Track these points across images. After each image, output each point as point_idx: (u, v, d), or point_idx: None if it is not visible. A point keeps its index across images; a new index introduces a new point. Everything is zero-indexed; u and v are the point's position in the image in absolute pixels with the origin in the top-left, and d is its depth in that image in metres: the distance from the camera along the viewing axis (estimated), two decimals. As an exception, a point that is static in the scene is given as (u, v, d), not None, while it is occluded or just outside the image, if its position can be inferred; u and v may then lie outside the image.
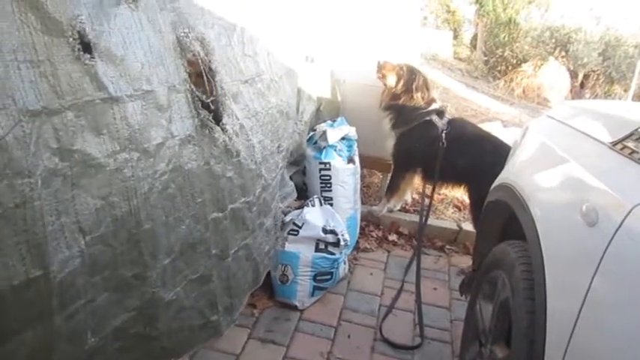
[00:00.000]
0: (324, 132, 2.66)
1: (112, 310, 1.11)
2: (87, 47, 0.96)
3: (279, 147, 1.84)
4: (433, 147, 2.78)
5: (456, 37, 11.19)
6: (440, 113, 2.91)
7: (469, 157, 2.79)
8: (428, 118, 2.86)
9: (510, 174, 1.83)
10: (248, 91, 1.57)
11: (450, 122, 2.88)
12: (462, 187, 2.95)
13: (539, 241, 1.37)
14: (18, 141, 0.82)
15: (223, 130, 1.39)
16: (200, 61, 1.27)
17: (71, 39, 0.93)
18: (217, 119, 1.38)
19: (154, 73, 1.14)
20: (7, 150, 0.80)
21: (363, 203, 3.17)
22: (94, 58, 0.97)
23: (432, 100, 2.99)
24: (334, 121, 2.89)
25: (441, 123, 2.82)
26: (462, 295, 2.45)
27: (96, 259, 1.02)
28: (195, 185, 1.27)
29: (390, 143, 3.05)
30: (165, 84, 1.17)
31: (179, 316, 1.30)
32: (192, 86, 1.27)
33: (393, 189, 3.08)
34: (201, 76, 1.31)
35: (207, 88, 1.33)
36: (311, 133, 2.72)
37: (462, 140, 2.83)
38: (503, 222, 1.95)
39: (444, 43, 10.01)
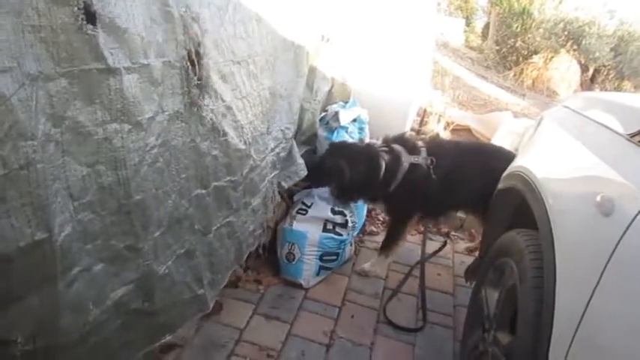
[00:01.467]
0: (337, 113, 2.65)
1: (110, 282, 1.13)
2: (91, 17, 0.96)
3: (268, 128, 1.84)
4: (425, 187, 2.43)
5: (468, 24, 11.07)
6: (405, 144, 2.49)
7: (467, 177, 2.47)
8: (406, 164, 2.42)
9: (523, 162, 1.82)
10: (240, 72, 1.56)
11: (430, 151, 2.47)
12: (474, 213, 2.64)
13: (550, 230, 1.37)
14: (22, 103, 0.83)
15: (211, 109, 1.39)
16: (195, 40, 1.27)
17: (76, 8, 0.92)
18: (205, 98, 1.38)
19: (153, 47, 1.14)
20: (12, 111, 0.81)
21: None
22: (96, 28, 0.96)
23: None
24: (346, 102, 2.88)
25: (422, 158, 2.43)
26: (466, 282, 2.48)
27: (86, 227, 1.04)
28: (180, 161, 1.28)
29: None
30: (161, 59, 1.17)
31: (172, 290, 1.32)
32: (188, 64, 1.27)
33: (391, 246, 2.60)
34: (194, 55, 1.31)
35: (198, 67, 1.32)
36: (323, 114, 2.71)
37: (452, 164, 2.49)
38: (513, 210, 1.96)
39: (456, 30, 9.90)
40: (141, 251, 1.18)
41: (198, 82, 1.31)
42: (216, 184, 1.44)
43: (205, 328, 2.02)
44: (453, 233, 3.17)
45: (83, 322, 1.08)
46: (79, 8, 0.92)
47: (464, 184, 2.46)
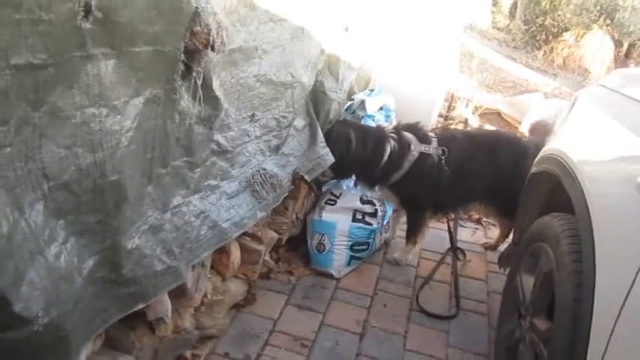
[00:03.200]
0: (363, 101, 2.64)
1: (83, 254, 1.20)
2: (88, 12, 0.97)
3: (253, 116, 1.84)
4: (437, 178, 2.37)
5: (494, 5, 10.78)
6: (417, 133, 2.42)
7: (481, 168, 2.41)
8: (415, 152, 2.35)
9: (558, 145, 1.77)
10: (224, 61, 1.57)
11: (441, 141, 2.41)
12: (488, 205, 2.59)
13: (588, 214, 1.34)
14: (1, 92, 0.86)
15: (188, 96, 1.41)
16: (208, 36, 1.28)
17: (77, 5, 0.94)
18: (194, 87, 1.40)
19: (146, 35, 1.16)
20: None
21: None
22: (88, 20, 0.98)
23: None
24: (372, 90, 2.85)
25: (432, 148, 2.36)
26: (500, 268, 2.44)
27: (60, 204, 1.10)
28: (147, 142, 1.32)
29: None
30: (153, 46, 1.19)
31: (141, 262, 1.38)
32: (183, 55, 1.28)
33: (415, 235, 2.55)
34: (194, 49, 1.32)
35: (196, 59, 1.34)
36: (349, 102, 2.70)
37: (465, 154, 2.41)
38: (547, 194, 1.91)
39: (483, 11, 9.66)
40: (109, 226, 1.24)
41: (188, 71, 1.33)
42: (174, 163, 1.49)
43: (240, 319, 2.05)
44: (484, 219, 3.11)
45: (74, 290, 1.15)
46: (79, 5, 0.94)
47: (478, 175, 2.40)
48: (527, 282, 1.73)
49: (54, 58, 0.95)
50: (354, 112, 2.68)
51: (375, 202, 2.50)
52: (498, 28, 10.16)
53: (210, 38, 1.32)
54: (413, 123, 2.49)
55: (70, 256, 1.14)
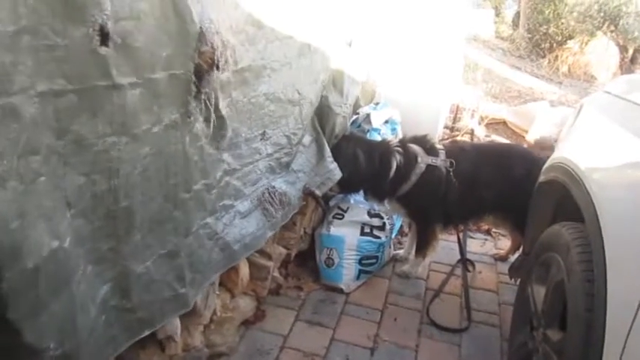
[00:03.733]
0: (368, 115, 2.65)
1: (97, 282, 1.19)
2: (105, 38, 0.99)
3: (264, 134, 1.85)
4: (445, 191, 2.36)
5: (497, 15, 10.83)
6: (424, 145, 2.41)
7: (491, 180, 2.38)
8: (422, 165, 2.34)
9: (565, 153, 1.76)
10: (234, 80, 1.58)
11: (449, 154, 2.39)
12: (499, 217, 2.56)
13: (598, 222, 1.32)
14: (32, 120, 0.88)
15: (202, 118, 1.42)
16: (214, 54, 1.30)
17: (91, 30, 0.96)
18: (205, 108, 1.42)
19: (162, 62, 1.17)
20: (26, 129, 0.86)
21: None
22: (109, 49, 1.00)
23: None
24: (377, 104, 2.86)
25: (440, 160, 2.35)
26: (511, 279, 2.42)
27: (79, 232, 1.09)
28: (170, 168, 1.32)
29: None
30: (168, 72, 1.21)
31: (150, 288, 1.37)
32: (194, 77, 1.30)
33: (425, 248, 2.52)
34: (201, 68, 1.33)
35: (205, 79, 1.35)
36: (354, 117, 2.71)
37: (475, 167, 2.39)
38: (556, 203, 1.89)
39: (485, 21, 9.70)
40: (120, 252, 1.23)
41: (198, 92, 1.33)
42: (195, 187, 1.49)
43: (249, 336, 2.04)
44: (494, 230, 3.09)
45: (89, 320, 1.14)
46: (94, 30, 0.96)
47: (487, 187, 2.38)
48: (539, 292, 1.71)
49: (74, 85, 0.96)
50: (359, 125, 2.69)
51: (383, 215, 2.49)
52: (502, 38, 10.19)
53: (215, 57, 1.34)
54: (420, 135, 2.49)
55: (87, 285, 1.13)
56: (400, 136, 2.83)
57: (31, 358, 0.98)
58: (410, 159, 2.35)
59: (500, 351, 2.10)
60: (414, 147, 2.39)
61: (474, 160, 2.42)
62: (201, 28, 1.26)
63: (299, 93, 1.99)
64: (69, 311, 1.04)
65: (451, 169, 2.33)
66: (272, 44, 1.75)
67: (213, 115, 1.46)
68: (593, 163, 1.55)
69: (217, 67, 1.37)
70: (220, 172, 1.63)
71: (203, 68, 1.32)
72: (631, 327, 1.08)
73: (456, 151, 2.44)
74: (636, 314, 1.07)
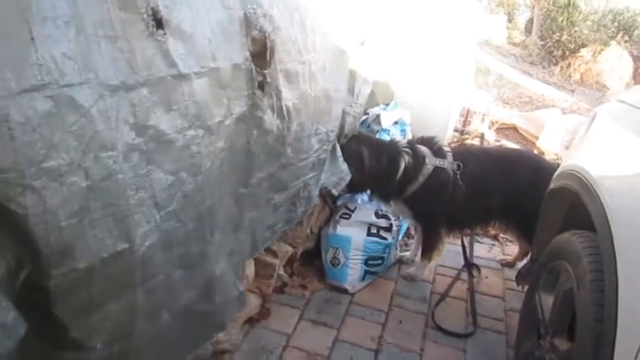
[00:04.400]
0: (378, 115, 2.64)
1: (184, 288, 1.15)
2: (159, 24, 0.97)
3: (317, 130, 1.83)
4: (452, 194, 2.32)
5: (510, 20, 10.77)
6: (431, 146, 2.39)
7: (499, 185, 2.34)
8: (430, 166, 2.32)
9: (577, 161, 1.75)
10: (303, 72, 1.55)
11: (456, 156, 2.38)
12: (507, 223, 2.52)
13: (610, 231, 1.31)
14: (101, 114, 0.84)
15: (270, 110, 1.38)
16: (266, 39, 1.27)
17: (145, 15, 0.94)
18: (266, 99, 1.37)
19: (220, 50, 1.14)
20: (92, 123, 0.83)
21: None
22: (165, 34, 0.98)
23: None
24: (387, 104, 2.85)
25: (447, 163, 2.33)
26: (518, 285, 2.39)
27: (171, 236, 1.05)
28: (236, 162, 1.29)
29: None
30: (229, 61, 1.17)
31: (224, 289, 1.34)
32: (253, 65, 1.27)
33: (431, 250, 2.51)
34: (260, 55, 1.30)
35: (268, 65, 1.32)
36: (364, 117, 2.70)
37: (483, 171, 2.37)
38: (566, 211, 1.88)
39: (498, 27, 9.64)
40: (208, 256, 1.19)
41: (262, 82, 1.30)
42: (251, 181, 1.46)
43: (253, 334, 2.03)
44: (501, 235, 3.07)
45: (156, 327, 1.10)
46: (148, 15, 0.94)
47: (496, 192, 2.34)
48: (547, 300, 1.70)
49: (143, 76, 0.92)
50: (369, 126, 2.69)
51: (390, 216, 2.48)
52: (514, 44, 10.14)
53: (268, 42, 1.30)
54: (428, 137, 2.47)
55: (166, 292, 1.08)
56: (409, 137, 2.82)
57: (76, 353, 0.95)
58: (418, 160, 2.33)
59: (505, 358, 2.08)
60: (422, 148, 2.37)
61: (482, 164, 2.40)
62: (245, 13, 1.23)
63: (335, 90, 1.98)
64: (127, 315, 1.00)
65: (458, 172, 2.31)
66: (323, 38, 1.73)
67: (280, 107, 1.41)
68: (606, 171, 1.53)
69: (272, 52, 1.31)
70: (276, 167, 1.59)
71: (260, 56, 1.29)
72: (642, 339, 1.06)
73: (463, 153, 2.43)
74: (648, 326, 1.06)
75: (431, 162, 2.33)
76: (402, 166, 2.30)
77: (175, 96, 1.01)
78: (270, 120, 1.40)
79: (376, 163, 2.32)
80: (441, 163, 2.33)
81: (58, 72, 0.77)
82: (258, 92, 1.29)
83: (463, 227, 2.59)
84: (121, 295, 0.97)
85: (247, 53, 1.25)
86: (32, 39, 0.73)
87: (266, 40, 1.28)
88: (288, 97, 1.47)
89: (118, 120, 0.88)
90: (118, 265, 0.92)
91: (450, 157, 2.37)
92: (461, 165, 2.32)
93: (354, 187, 2.45)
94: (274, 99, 1.40)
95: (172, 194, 1.03)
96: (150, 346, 1.11)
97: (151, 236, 0.99)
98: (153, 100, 0.96)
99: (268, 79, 1.33)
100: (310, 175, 1.96)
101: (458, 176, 2.31)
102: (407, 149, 2.34)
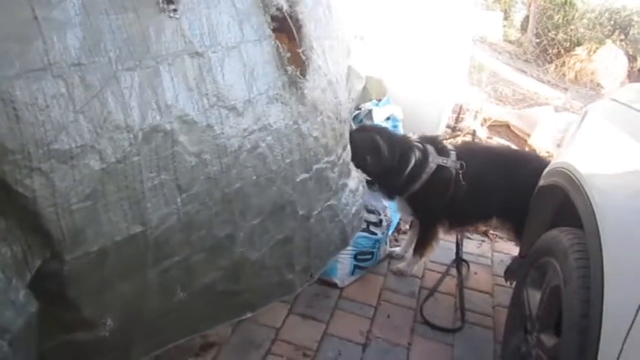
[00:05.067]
0: (370, 111, 2.63)
1: (204, 269, 1.12)
2: (170, 1, 0.94)
3: (340, 113, 1.80)
4: (454, 192, 2.34)
5: (506, 18, 10.77)
6: (435, 144, 2.40)
7: (501, 185, 2.35)
8: (433, 164, 2.32)
9: (567, 158, 1.75)
10: (337, 48, 1.51)
11: (459, 155, 2.39)
12: (506, 222, 2.52)
13: (597, 229, 1.31)
14: (114, 95, 0.81)
15: (312, 87, 1.33)
16: (285, 13, 1.23)
17: None
18: (304, 74, 1.32)
19: (238, 28, 1.10)
20: (105, 103, 0.80)
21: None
22: (177, 10, 0.95)
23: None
24: (379, 100, 2.85)
25: (451, 161, 2.34)
26: (506, 282, 2.41)
27: (192, 218, 1.02)
28: (284, 145, 1.24)
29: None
30: (250, 40, 1.14)
31: (259, 274, 1.30)
32: (278, 42, 1.23)
33: (425, 247, 2.53)
34: (286, 31, 1.27)
35: (295, 41, 1.28)
36: (356, 112, 2.69)
37: (483, 170, 2.38)
38: (555, 208, 1.88)
39: (494, 24, 9.64)
40: (237, 239, 1.16)
41: (295, 56, 1.25)
42: (316, 166, 1.40)
43: (242, 327, 2.03)
44: (491, 232, 3.08)
45: (168, 302, 1.08)
46: None
47: (497, 192, 2.35)
48: (534, 296, 1.71)
49: (158, 56, 0.88)
50: (360, 121, 2.67)
51: (380, 211, 2.48)
52: (510, 41, 10.14)
53: (286, 15, 1.25)
54: (432, 135, 2.48)
55: (183, 272, 1.05)
56: (402, 132, 2.81)
57: (86, 332, 0.94)
58: (425, 157, 2.34)
59: (493, 353, 2.10)
60: (427, 146, 2.37)
61: (485, 163, 2.41)
62: None
63: (342, 76, 1.95)
64: (139, 294, 0.99)
65: (461, 171, 2.31)
66: (337, 24, 1.68)
67: (323, 81, 1.35)
68: (595, 169, 1.54)
69: (293, 27, 1.26)
70: (341, 148, 1.54)
71: (286, 32, 1.24)
72: (627, 336, 1.07)
73: (467, 152, 2.43)
74: (632, 323, 1.07)
75: (434, 160, 2.34)
76: (413, 161, 2.30)
77: (193, 74, 0.98)
78: (315, 98, 1.34)
79: (390, 156, 2.30)
80: (445, 161, 2.34)
81: (67, 51, 0.75)
82: (290, 69, 1.24)
83: (463, 225, 2.60)
84: (133, 276, 0.96)
85: (269, 31, 1.21)
86: (35, 18, 0.71)
87: (286, 15, 1.24)
88: (331, 71, 1.42)
89: (134, 100, 0.85)
90: (132, 248, 0.91)
91: (453, 156, 2.37)
92: (464, 164, 2.32)
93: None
94: (316, 74, 1.34)
95: (195, 176, 1.00)
96: (162, 318, 1.09)
97: (169, 219, 0.96)
98: (170, 79, 0.92)
99: (304, 52, 1.29)
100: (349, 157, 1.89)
101: (460, 175, 2.31)
102: (419, 144, 2.34)
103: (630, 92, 1.82)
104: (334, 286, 2.36)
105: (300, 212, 1.35)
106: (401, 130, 2.86)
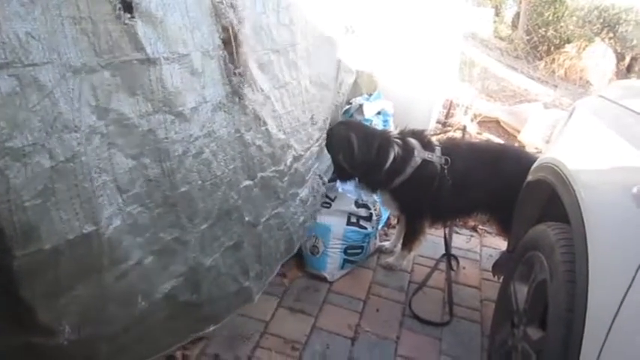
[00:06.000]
0: (361, 105, 2.63)
1: (160, 275, 1.13)
2: (128, 7, 0.95)
3: (312, 118, 1.81)
4: (438, 187, 2.34)
5: (497, 14, 10.81)
6: (421, 139, 2.39)
7: (485, 179, 2.36)
8: (418, 159, 2.32)
9: (554, 154, 1.77)
10: (279, 61, 1.54)
11: (444, 149, 2.39)
12: (492, 217, 2.55)
13: (583, 223, 1.33)
14: (65, 96, 0.83)
15: (251, 98, 1.38)
16: (231, 28, 1.25)
17: None
18: (245, 87, 1.37)
19: (190, 37, 1.13)
20: (55, 104, 0.82)
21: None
22: (134, 17, 0.96)
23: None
24: (370, 95, 2.85)
25: (436, 157, 2.34)
26: (494, 276, 2.43)
27: (136, 219, 1.03)
28: (227, 152, 1.27)
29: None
30: (200, 49, 1.16)
31: (217, 282, 1.32)
32: (225, 53, 1.25)
33: (412, 241, 2.54)
34: (233, 43, 1.29)
35: (236, 56, 1.31)
36: (347, 106, 2.69)
37: (468, 166, 2.38)
38: (542, 203, 1.90)
39: (485, 20, 9.68)
40: (188, 244, 1.18)
41: (237, 70, 1.29)
42: (262, 174, 1.44)
43: (231, 321, 2.01)
44: (480, 227, 3.10)
45: (129, 314, 1.09)
46: None
47: (482, 187, 2.36)
48: (521, 291, 1.72)
49: (106, 60, 0.91)
50: (351, 115, 2.68)
51: (370, 205, 2.49)
52: (500, 38, 10.19)
53: (232, 31, 1.28)
54: (418, 130, 2.48)
55: (140, 277, 1.06)
56: (392, 128, 2.82)
57: (44, 337, 0.94)
58: (407, 152, 2.33)
59: (480, 347, 2.11)
60: (412, 140, 2.37)
61: (469, 159, 2.41)
62: (212, 3, 1.21)
63: (326, 77, 1.96)
64: (96, 299, 0.99)
65: (446, 166, 2.32)
66: (308, 26, 1.70)
67: (259, 96, 1.40)
68: (581, 164, 1.55)
69: (239, 45, 1.31)
70: (290, 159, 1.58)
71: (232, 44, 1.28)
72: (609, 329, 1.08)
73: (452, 148, 2.44)
74: (615, 317, 1.08)
75: (419, 155, 2.34)
76: (392, 156, 2.30)
77: (141, 80, 0.99)
78: (255, 109, 1.38)
79: (366, 151, 2.31)
80: (430, 156, 2.34)
81: (22, 51, 0.76)
82: (235, 80, 1.28)
83: (447, 219, 2.62)
84: (89, 279, 0.96)
85: (219, 41, 1.23)
86: None
87: (234, 30, 1.27)
88: (267, 87, 1.46)
89: (80, 102, 0.87)
90: (86, 247, 0.92)
91: (438, 151, 2.37)
92: (449, 159, 2.33)
93: (342, 175, 2.44)
94: (253, 88, 1.38)
95: (134, 178, 1.02)
96: (125, 334, 1.09)
97: (115, 219, 0.98)
98: (116, 84, 0.94)
99: (242, 68, 1.31)
100: (316, 164, 1.92)
101: (445, 170, 2.32)
102: (398, 140, 2.34)
103: (617, 89, 1.83)
104: (324, 280, 2.37)
105: (247, 218, 1.39)
106: (391, 125, 2.87)
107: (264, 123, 1.41)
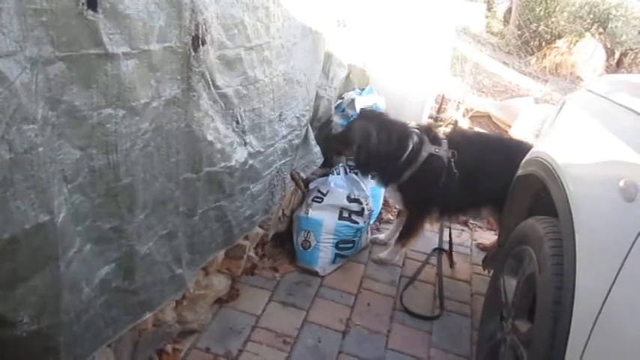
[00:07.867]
0: (353, 100, 2.63)
1: (97, 262, 1.16)
2: (92, 3, 0.95)
3: (281, 115, 1.82)
4: (446, 181, 2.33)
5: (489, 9, 10.84)
6: (428, 133, 2.40)
7: (492, 173, 2.32)
8: (425, 153, 2.33)
9: (543, 148, 1.78)
10: (251, 58, 1.54)
11: (451, 143, 2.39)
12: (498, 211, 2.45)
13: (571, 216, 1.34)
14: (24, 87, 0.84)
15: (208, 96, 1.39)
16: (197, 24, 1.26)
17: None
18: (203, 84, 1.38)
19: (154, 32, 1.13)
20: (16, 95, 0.82)
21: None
22: (97, 14, 0.96)
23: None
24: (362, 89, 2.85)
25: (443, 150, 2.34)
26: (484, 270, 2.45)
27: (77, 209, 1.06)
28: (171, 145, 1.29)
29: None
30: (162, 44, 1.17)
31: (152, 269, 1.36)
32: (191, 50, 1.26)
33: (408, 238, 2.54)
34: (200, 41, 1.30)
35: (202, 53, 1.32)
36: (339, 101, 2.69)
37: (474, 158, 2.36)
38: (532, 197, 1.92)
39: (477, 15, 9.70)
40: (125, 232, 1.21)
41: (198, 68, 1.30)
42: (209, 169, 1.46)
43: (222, 314, 2.03)
44: (471, 221, 3.12)
45: (78, 300, 1.11)
46: None
47: (487, 180, 2.34)
48: (510, 284, 1.74)
49: (63, 52, 0.91)
50: (343, 110, 2.68)
51: (362, 200, 2.49)
52: (492, 33, 10.22)
53: (200, 31, 1.30)
54: (424, 124, 2.48)
55: (81, 264, 1.09)
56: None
57: (2, 329, 0.94)
58: (420, 145, 2.35)
59: (470, 340, 2.13)
60: (422, 135, 2.38)
61: (477, 152, 2.40)
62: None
63: (305, 74, 1.96)
64: (52, 288, 1.00)
65: (453, 160, 2.32)
66: (288, 22, 1.71)
67: (214, 94, 1.41)
68: (570, 158, 1.56)
69: (204, 42, 1.32)
70: (245, 156, 1.59)
71: (199, 42, 1.28)
72: (595, 321, 1.10)
73: (459, 141, 2.42)
74: (601, 309, 1.10)
75: (426, 149, 2.34)
76: (410, 146, 2.31)
77: (97, 75, 1.01)
78: (209, 105, 1.39)
79: (386, 141, 2.31)
80: (437, 150, 2.34)
81: None
82: (194, 77, 1.29)
83: (456, 213, 2.60)
84: (45, 268, 0.97)
85: (188, 38, 1.24)
86: None
87: (203, 27, 1.27)
88: (227, 84, 1.47)
89: (37, 94, 0.88)
90: (41, 237, 0.93)
91: (445, 144, 2.37)
92: (455, 153, 2.33)
93: (360, 166, 2.44)
94: (213, 86, 1.40)
95: (79, 169, 1.04)
96: (77, 322, 1.12)
97: (62, 208, 0.99)
98: (70, 76, 0.95)
99: (202, 66, 1.32)
100: (282, 161, 1.95)
101: (452, 164, 2.31)
102: (417, 130, 2.36)
103: (605, 84, 1.84)
104: (315, 274, 2.38)
105: (181, 209, 1.42)
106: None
107: (211, 118, 1.42)
